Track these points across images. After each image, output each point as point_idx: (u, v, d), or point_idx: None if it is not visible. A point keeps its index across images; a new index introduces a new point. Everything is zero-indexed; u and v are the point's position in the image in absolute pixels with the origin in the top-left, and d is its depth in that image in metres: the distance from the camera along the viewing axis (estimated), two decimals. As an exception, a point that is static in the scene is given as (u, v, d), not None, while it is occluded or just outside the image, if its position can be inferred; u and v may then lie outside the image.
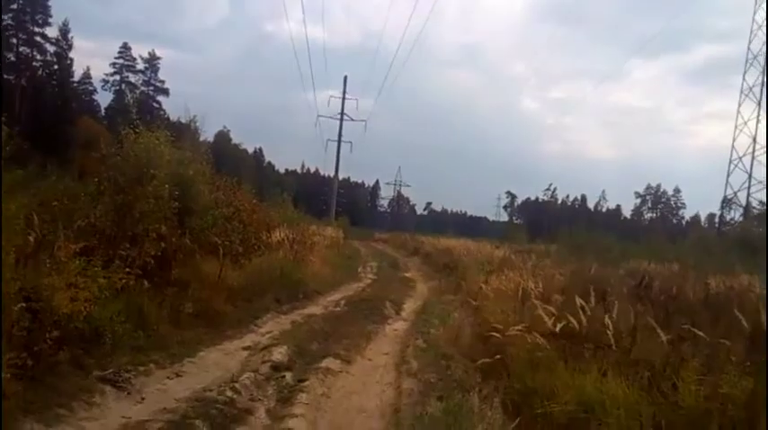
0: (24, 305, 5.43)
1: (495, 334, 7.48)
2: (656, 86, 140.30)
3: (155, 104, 68.89)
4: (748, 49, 44.92)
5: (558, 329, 6.78)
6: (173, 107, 78.72)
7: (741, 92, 45.08)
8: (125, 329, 7.17)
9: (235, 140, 77.02)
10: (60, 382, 5.52)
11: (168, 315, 8.89)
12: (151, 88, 71.76)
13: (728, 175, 44.76)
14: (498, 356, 7.17)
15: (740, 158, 43.95)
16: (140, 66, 70.16)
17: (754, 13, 44.27)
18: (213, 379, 7.00)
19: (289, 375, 7.24)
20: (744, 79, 45.09)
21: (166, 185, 9.41)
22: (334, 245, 29.55)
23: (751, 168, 43.16)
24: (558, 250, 26.46)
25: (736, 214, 76.50)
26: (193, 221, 11.20)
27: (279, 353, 8.08)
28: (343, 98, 58.06)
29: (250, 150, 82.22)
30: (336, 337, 9.97)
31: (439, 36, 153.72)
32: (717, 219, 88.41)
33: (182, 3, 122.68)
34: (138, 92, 70.30)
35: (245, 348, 8.70)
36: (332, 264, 21.43)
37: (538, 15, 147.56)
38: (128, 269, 7.98)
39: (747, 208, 42.77)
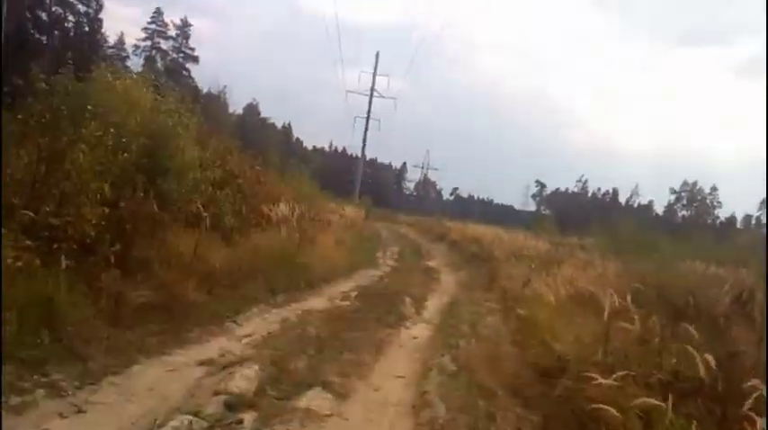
0: None
1: (589, 377, 4.82)
2: (696, 79, 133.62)
3: (184, 72, 66.62)
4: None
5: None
6: (204, 78, 76.98)
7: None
8: (7, 332, 4.74)
9: (264, 114, 74.60)
10: None
11: (106, 308, 6.47)
12: (181, 55, 69.40)
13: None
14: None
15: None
16: (172, 32, 67.76)
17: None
18: (130, 421, 4.54)
19: (248, 420, 4.74)
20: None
21: (112, 130, 6.91)
22: (353, 225, 27.04)
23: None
24: (598, 245, 23.76)
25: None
26: (168, 184, 8.80)
27: (244, 378, 5.58)
28: (374, 74, 55.46)
29: (279, 125, 79.64)
30: (335, 348, 7.49)
31: (473, 19, 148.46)
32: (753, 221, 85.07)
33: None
34: (168, 58, 68.15)
35: (202, 362, 6.18)
36: (348, 247, 18.87)
37: (577, 1, 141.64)
38: (28, 241, 5.53)
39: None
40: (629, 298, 6.36)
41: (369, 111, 55.68)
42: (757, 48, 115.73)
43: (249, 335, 7.66)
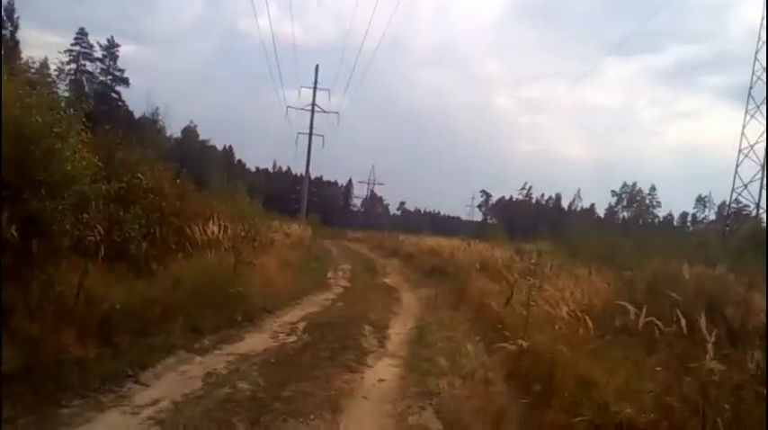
0: None
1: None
2: (628, 86, 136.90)
3: (114, 95, 62.82)
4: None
5: None
6: (138, 102, 73.65)
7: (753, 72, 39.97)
8: None
9: (203, 137, 71.33)
10: None
11: None
12: (110, 77, 65.50)
13: (737, 166, 39.88)
14: None
15: (752, 147, 39.07)
16: (98, 53, 63.80)
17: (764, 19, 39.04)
18: None
19: None
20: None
21: None
22: (300, 245, 24.83)
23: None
24: (554, 250, 22.16)
25: (709, 213, 75.49)
26: (40, 201, 6.56)
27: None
28: (315, 88, 52.94)
29: (219, 148, 76.45)
30: (276, 414, 5.37)
31: (413, 34, 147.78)
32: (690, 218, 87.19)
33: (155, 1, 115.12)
34: (96, 81, 64.24)
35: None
36: (294, 269, 16.67)
37: (512, 15, 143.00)
38: None
39: (760, 202, 38.25)
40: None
41: (311, 127, 53.18)
42: (684, 52, 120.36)
43: (155, 403, 5.46)
